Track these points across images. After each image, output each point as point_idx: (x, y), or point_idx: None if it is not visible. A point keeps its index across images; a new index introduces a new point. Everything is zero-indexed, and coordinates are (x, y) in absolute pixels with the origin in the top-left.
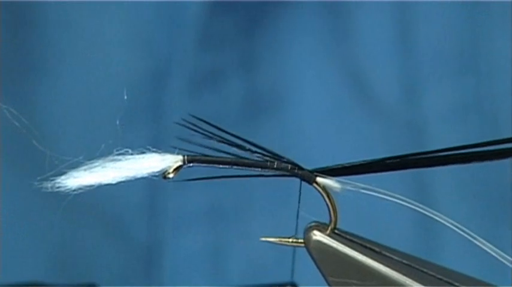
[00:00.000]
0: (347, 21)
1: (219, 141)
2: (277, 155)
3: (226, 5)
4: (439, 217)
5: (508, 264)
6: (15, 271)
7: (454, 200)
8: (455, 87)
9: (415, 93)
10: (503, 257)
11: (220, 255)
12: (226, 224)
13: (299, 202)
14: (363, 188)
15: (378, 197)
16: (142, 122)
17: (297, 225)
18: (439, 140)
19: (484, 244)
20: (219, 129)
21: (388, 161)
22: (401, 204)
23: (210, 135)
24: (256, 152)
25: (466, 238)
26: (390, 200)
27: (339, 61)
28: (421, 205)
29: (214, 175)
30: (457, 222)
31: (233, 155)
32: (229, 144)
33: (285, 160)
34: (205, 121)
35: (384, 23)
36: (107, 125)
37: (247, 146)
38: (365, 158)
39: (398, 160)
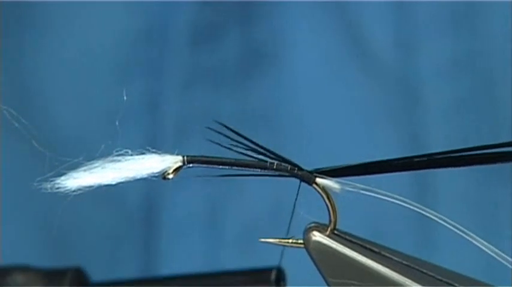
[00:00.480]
0: None
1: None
2: (276, 154)
3: None
4: (439, 218)
5: (508, 264)
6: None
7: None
8: (450, 44)
9: (410, 49)
10: (502, 258)
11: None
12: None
13: (295, 201)
14: (363, 189)
15: (377, 198)
16: (140, 78)
17: (289, 225)
18: (433, 96)
19: (483, 244)
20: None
21: (389, 163)
22: (401, 205)
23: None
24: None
25: (466, 238)
26: (390, 201)
27: (335, 16)
28: (421, 206)
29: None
30: (458, 222)
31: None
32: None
33: (285, 160)
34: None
35: None
36: (103, 81)
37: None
38: (357, 118)
39: (400, 161)
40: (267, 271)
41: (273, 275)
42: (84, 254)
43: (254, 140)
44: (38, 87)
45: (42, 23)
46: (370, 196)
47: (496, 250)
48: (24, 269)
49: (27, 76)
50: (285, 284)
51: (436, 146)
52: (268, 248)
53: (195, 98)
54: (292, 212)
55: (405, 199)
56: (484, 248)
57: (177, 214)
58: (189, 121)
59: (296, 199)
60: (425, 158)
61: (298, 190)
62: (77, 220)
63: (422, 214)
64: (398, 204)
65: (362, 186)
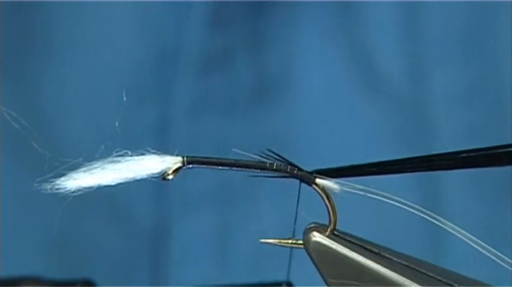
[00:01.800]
0: (355, 3)
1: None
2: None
3: None
4: (440, 221)
5: (508, 267)
6: (16, 261)
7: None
8: (460, 70)
9: (421, 76)
10: (502, 260)
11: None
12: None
13: (297, 203)
14: (362, 190)
15: (377, 199)
16: (151, 104)
17: (294, 226)
18: (443, 123)
19: (483, 247)
20: None
21: (389, 165)
22: (400, 207)
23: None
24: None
25: (471, 243)
26: (390, 203)
27: (346, 42)
28: (421, 208)
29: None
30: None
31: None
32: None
33: (285, 160)
34: None
35: (391, 5)
36: (113, 112)
37: None
38: (369, 143)
39: (399, 163)
40: (276, 285)
41: None
42: (92, 274)
43: None
44: (49, 113)
45: (55, 47)
46: (370, 198)
47: (495, 251)
48: (34, 280)
49: (38, 101)
50: None
51: (447, 174)
52: (279, 270)
53: (205, 124)
54: (296, 214)
55: (405, 201)
56: (482, 250)
57: (186, 238)
58: (198, 147)
59: (298, 200)
60: (424, 160)
61: (299, 191)
62: (86, 240)
63: (423, 216)
64: (398, 206)
65: (361, 187)
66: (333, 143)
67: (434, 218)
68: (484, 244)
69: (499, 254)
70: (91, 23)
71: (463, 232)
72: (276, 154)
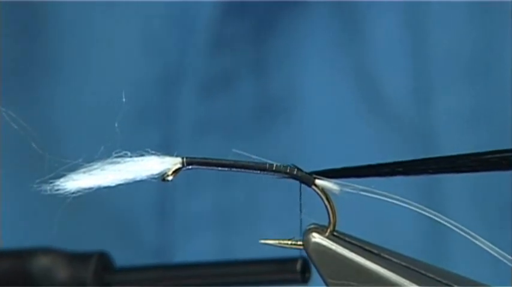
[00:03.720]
0: (359, 25)
1: None
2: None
3: (238, 8)
4: (440, 218)
5: (508, 263)
6: None
7: (462, 198)
8: (466, 93)
9: (425, 98)
10: (503, 257)
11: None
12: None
13: (300, 204)
14: (362, 190)
15: (377, 199)
16: (154, 125)
17: (300, 226)
18: (450, 145)
19: (484, 243)
20: None
21: (389, 166)
22: (402, 206)
23: None
24: None
25: (470, 238)
26: (390, 202)
27: (350, 65)
28: (422, 206)
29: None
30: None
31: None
32: None
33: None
34: None
35: (396, 27)
36: (114, 129)
37: None
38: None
39: (399, 165)
40: (292, 260)
41: (298, 265)
42: None
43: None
44: (53, 131)
45: (58, 65)
46: (371, 197)
47: (496, 248)
48: (49, 251)
49: (43, 120)
50: (310, 274)
51: (453, 195)
52: None
53: (208, 146)
54: (300, 217)
55: (405, 199)
56: (483, 246)
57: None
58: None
59: (300, 202)
60: (423, 163)
61: (300, 192)
62: None
63: (424, 215)
64: (398, 205)
65: (361, 187)
66: (337, 165)
67: (435, 215)
68: (483, 240)
69: (499, 250)
70: (96, 44)
71: (463, 227)
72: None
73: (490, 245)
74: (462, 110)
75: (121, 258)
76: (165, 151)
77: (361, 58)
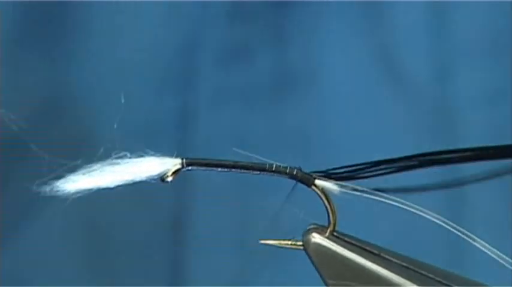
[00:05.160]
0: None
1: None
2: None
3: None
4: (440, 220)
5: (508, 266)
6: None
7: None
8: (487, 70)
9: (447, 74)
10: (502, 259)
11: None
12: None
13: (287, 200)
14: (362, 191)
15: (377, 200)
16: (173, 92)
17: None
18: (469, 122)
19: (483, 246)
20: None
21: (387, 165)
22: (401, 207)
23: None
24: None
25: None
26: (390, 204)
27: (371, 38)
28: (421, 208)
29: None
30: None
31: None
32: None
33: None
34: None
35: (420, 3)
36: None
37: None
38: (391, 138)
39: (401, 161)
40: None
41: None
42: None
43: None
44: (73, 94)
45: (85, 31)
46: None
47: (496, 251)
48: None
49: (65, 81)
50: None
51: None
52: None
53: (226, 114)
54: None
55: (405, 201)
56: (483, 248)
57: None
58: (218, 137)
59: (291, 198)
60: (427, 157)
61: (292, 189)
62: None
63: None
64: (398, 207)
65: (360, 188)
66: (355, 137)
67: (440, 220)
68: (483, 242)
69: (499, 253)
70: (121, 13)
71: (466, 231)
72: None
73: (489, 246)
74: (483, 88)
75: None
76: (184, 118)
77: (383, 31)
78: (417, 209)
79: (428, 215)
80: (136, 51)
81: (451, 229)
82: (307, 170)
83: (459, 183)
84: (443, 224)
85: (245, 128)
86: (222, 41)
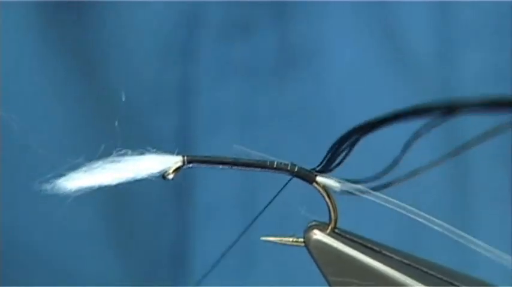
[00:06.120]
0: None
1: None
2: None
3: None
4: (439, 225)
5: (508, 265)
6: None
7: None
8: (490, 52)
9: (450, 55)
10: (503, 258)
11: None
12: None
13: (277, 194)
14: (363, 191)
15: (377, 201)
16: (175, 66)
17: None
18: None
19: (483, 247)
20: None
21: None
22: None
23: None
24: None
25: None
26: (389, 207)
27: (376, 16)
28: (421, 213)
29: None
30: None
31: None
32: None
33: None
34: None
35: None
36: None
37: None
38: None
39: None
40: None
41: None
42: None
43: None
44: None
45: (81, 8)
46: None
47: (496, 250)
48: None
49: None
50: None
51: (473, 152)
52: None
53: (228, 89)
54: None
55: (406, 205)
56: (483, 250)
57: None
58: (219, 111)
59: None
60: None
61: (285, 186)
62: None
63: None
64: (396, 210)
65: (361, 187)
66: (357, 115)
67: (436, 224)
68: (483, 244)
69: (499, 252)
70: None
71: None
72: None
73: (489, 247)
74: (486, 67)
75: None
76: (185, 92)
77: (388, 10)
78: (419, 216)
79: (430, 221)
80: (138, 26)
81: (455, 236)
82: (307, 146)
83: (462, 148)
84: (446, 232)
85: (247, 104)
86: (224, 15)
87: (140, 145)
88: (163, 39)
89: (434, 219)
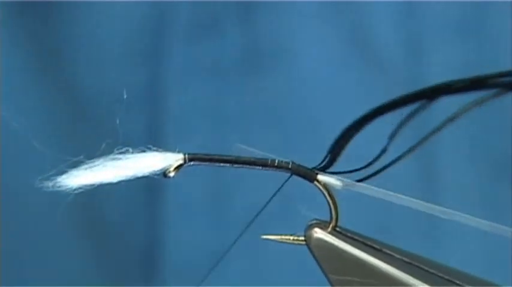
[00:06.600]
0: None
1: None
2: None
3: None
4: (446, 214)
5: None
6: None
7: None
8: (456, 47)
9: (416, 50)
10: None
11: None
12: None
13: (278, 193)
14: (364, 188)
15: (379, 197)
16: (142, 66)
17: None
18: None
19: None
20: None
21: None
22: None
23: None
24: None
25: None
26: (391, 200)
27: (342, 13)
28: (427, 204)
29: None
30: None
31: None
32: None
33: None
34: None
35: None
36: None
37: None
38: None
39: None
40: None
41: None
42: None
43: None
44: (59, 57)
45: (51, 4)
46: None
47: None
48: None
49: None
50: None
51: (443, 147)
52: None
53: (195, 87)
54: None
55: (410, 198)
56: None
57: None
58: (188, 111)
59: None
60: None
61: (283, 184)
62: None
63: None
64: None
65: (363, 185)
66: (324, 112)
67: (440, 211)
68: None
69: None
70: None
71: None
72: None
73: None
74: (453, 63)
75: None
76: (153, 91)
77: (353, 7)
78: (425, 207)
79: (439, 212)
80: (105, 27)
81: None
82: (278, 144)
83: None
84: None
85: (216, 103)
86: (192, 15)
87: (110, 145)
88: (130, 40)
89: (447, 209)
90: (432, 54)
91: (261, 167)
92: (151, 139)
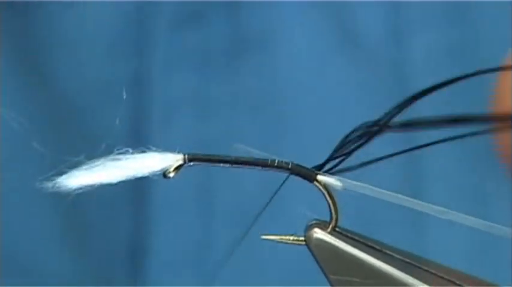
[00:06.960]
0: None
1: None
2: None
3: None
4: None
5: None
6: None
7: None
8: (440, 33)
9: (400, 37)
10: (501, 231)
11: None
12: None
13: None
14: (365, 188)
15: (377, 197)
16: (126, 58)
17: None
18: (422, 84)
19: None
20: None
21: None
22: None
23: None
24: None
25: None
26: (391, 201)
27: (325, 1)
28: (426, 204)
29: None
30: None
31: None
32: None
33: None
34: None
35: None
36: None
37: None
38: (347, 103)
39: None
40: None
41: None
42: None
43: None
44: (41, 57)
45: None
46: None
47: (492, 224)
48: None
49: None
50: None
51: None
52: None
53: (180, 80)
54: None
55: (409, 198)
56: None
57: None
58: (173, 101)
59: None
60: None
61: (282, 184)
62: None
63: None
64: (398, 203)
65: (364, 185)
66: (310, 101)
67: (439, 212)
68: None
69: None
70: None
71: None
72: None
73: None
74: (437, 48)
75: None
76: (138, 83)
77: None
78: (424, 208)
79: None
80: (89, 17)
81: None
82: (265, 132)
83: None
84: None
85: (201, 93)
86: (176, 5)
87: (95, 137)
88: (115, 31)
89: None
90: (416, 41)
91: (261, 168)
92: (135, 129)
